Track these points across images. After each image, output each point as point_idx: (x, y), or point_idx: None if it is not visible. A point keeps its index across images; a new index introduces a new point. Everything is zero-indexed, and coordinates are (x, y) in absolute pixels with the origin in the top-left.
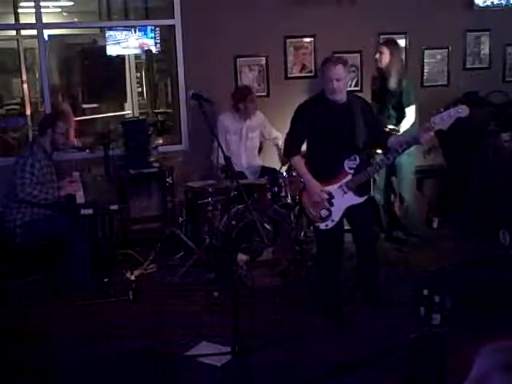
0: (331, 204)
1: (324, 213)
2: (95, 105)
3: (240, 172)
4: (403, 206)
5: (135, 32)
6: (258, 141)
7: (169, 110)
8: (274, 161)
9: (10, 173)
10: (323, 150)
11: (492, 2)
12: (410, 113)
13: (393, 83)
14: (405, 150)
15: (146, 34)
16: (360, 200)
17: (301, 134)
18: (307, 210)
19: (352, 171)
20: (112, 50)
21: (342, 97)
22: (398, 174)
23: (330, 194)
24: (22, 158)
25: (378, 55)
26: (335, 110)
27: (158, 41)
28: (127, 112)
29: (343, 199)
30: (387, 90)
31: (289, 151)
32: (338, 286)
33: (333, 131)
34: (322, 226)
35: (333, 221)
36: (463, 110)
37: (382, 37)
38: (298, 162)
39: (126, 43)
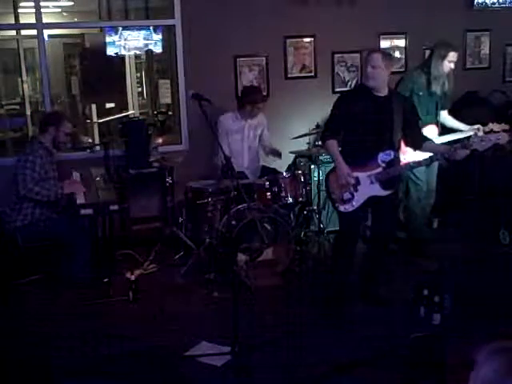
0: (356, 189)
1: (346, 196)
2: (112, 104)
3: (240, 172)
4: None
5: (138, 32)
6: (257, 140)
7: (170, 113)
8: (273, 161)
9: (9, 173)
10: (359, 138)
11: (493, 2)
12: (446, 115)
13: (447, 86)
14: (438, 159)
15: (150, 34)
16: (384, 193)
17: (339, 120)
18: (331, 191)
19: (384, 164)
20: (112, 50)
21: (376, 85)
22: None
23: (357, 179)
24: (23, 155)
25: (452, 65)
26: (375, 102)
27: (160, 41)
28: (131, 112)
29: (368, 188)
30: (432, 92)
31: (326, 134)
32: (347, 278)
33: (370, 122)
34: (342, 208)
35: (353, 205)
36: (502, 138)
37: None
38: (332, 144)
39: (127, 43)
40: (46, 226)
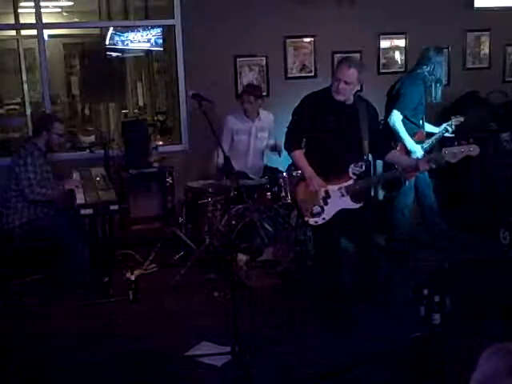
0: (325, 203)
1: (316, 209)
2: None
3: (242, 172)
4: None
5: (138, 32)
6: (265, 142)
7: (170, 119)
8: (275, 160)
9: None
10: (325, 148)
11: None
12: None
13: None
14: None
15: (151, 34)
16: (355, 206)
17: (302, 126)
18: (299, 204)
19: (355, 177)
20: (113, 50)
21: (346, 99)
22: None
23: (327, 192)
24: (20, 158)
25: None
26: (339, 109)
27: (161, 41)
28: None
29: (339, 201)
30: None
31: (290, 144)
32: (338, 285)
33: (337, 131)
34: (312, 221)
35: (323, 219)
36: (474, 150)
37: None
38: (299, 155)
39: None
40: (45, 226)
